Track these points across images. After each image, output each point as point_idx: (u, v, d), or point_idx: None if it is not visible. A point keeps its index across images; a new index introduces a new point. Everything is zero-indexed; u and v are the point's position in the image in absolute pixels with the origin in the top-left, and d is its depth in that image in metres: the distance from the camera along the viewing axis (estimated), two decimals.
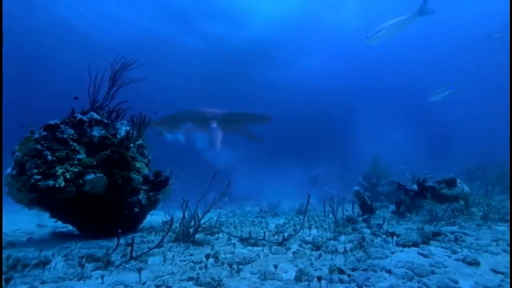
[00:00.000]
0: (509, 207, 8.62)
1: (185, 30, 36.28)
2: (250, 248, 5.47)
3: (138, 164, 7.61)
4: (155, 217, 8.79)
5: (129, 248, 4.60)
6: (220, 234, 6.79)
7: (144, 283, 3.53)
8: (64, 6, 30.76)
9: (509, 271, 3.66)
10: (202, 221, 6.32)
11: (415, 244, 5.13)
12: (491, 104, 35.52)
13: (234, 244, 5.72)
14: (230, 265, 3.93)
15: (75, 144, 6.73)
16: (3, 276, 3.57)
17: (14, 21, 29.57)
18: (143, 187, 7.43)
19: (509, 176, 11.53)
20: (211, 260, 4.38)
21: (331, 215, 8.31)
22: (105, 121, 7.45)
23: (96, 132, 7.04)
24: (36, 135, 6.53)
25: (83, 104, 7.58)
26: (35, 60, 37.96)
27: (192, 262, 4.37)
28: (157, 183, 7.65)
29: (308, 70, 42.81)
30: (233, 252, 4.99)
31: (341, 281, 3.48)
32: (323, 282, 3.33)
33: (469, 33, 34.36)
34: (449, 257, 4.43)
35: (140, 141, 8.30)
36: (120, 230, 4.85)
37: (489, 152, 19.23)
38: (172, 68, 40.46)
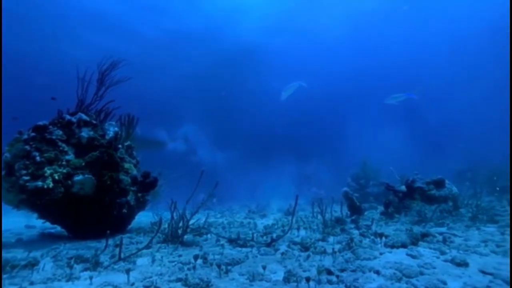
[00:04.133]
0: (498, 208, 8.73)
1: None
2: (239, 249, 5.48)
3: (126, 165, 7.58)
4: (143, 218, 8.75)
5: (118, 249, 4.58)
6: (209, 235, 6.78)
7: (132, 284, 3.51)
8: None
9: (497, 272, 3.68)
10: (191, 222, 6.30)
11: (404, 245, 5.16)
12: (483, 106, 35.80)
13: (222, 245, 5.72)
14: (218, 266, 3.93)
15: (63, 145, 6.68)
16: None
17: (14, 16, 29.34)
18: (132, 188, 7.40)
19: (509, 177, 11.57)
20: (199, 261, 4.36)
21: (319, 216, 8.34)
22: (94, 122, 7.40)
23: (85, 133, 7.00)
24: (25, 136, 6.47)
25: (64, 104, 7.49)
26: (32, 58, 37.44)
27: (181, 263, 4.36)
28: (146, 184, 7.64)
29: (301, 71, 42.86)
30: (221, 253, 4.98)
31: (329, 282, 3.49)
32: (311, 283, 3.34)
33: (463, 33, 34.64)
34: (438, 258, 4.47)
35: (128, 142, 8.27)
36: (108, 231, 4.83)
37: (479, 154, 19.35)
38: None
